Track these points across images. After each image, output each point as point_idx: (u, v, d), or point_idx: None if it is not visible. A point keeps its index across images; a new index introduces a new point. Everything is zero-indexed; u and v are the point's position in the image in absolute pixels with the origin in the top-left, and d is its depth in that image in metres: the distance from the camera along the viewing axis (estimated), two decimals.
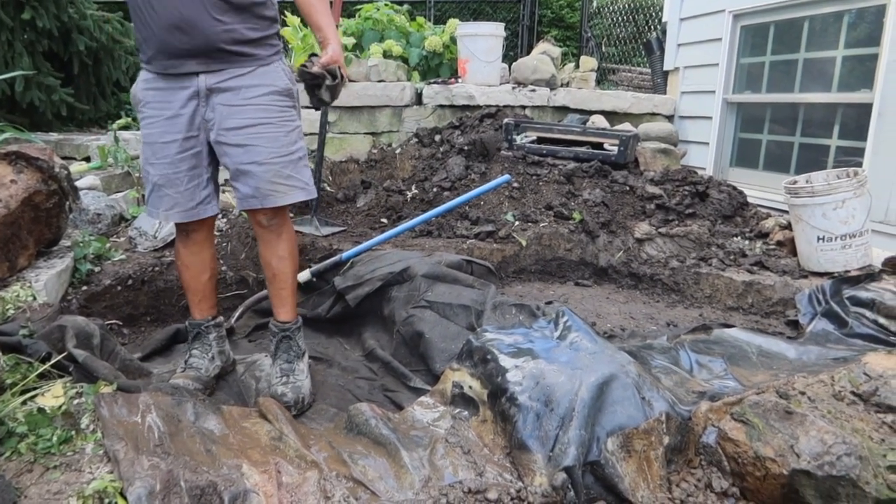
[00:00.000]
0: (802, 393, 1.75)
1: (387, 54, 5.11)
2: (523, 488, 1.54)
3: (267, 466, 1.53)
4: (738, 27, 4.56)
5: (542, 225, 3.59)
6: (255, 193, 1.94)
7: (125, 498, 1.32)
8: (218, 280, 2.49)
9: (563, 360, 1.87)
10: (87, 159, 4.08)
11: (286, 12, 4.80)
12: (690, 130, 5.04)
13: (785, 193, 3.23)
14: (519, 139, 4.30)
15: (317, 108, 2.12)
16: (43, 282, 2.35)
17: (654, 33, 6.33)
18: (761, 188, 4.25)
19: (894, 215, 3.32)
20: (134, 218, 3.35)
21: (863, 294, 2.59)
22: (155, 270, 2.90)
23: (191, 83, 1.89)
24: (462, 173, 4.10)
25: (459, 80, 5.09)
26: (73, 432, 1.54)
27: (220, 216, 3.28)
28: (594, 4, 8.50)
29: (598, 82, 6.32)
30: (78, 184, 3.05)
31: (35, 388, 1.70)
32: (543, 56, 5.20)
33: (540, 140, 4.38)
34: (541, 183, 3.97)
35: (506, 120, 4.37)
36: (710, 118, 4.76)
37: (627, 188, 3.90)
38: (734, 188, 4.00)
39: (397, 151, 4.65)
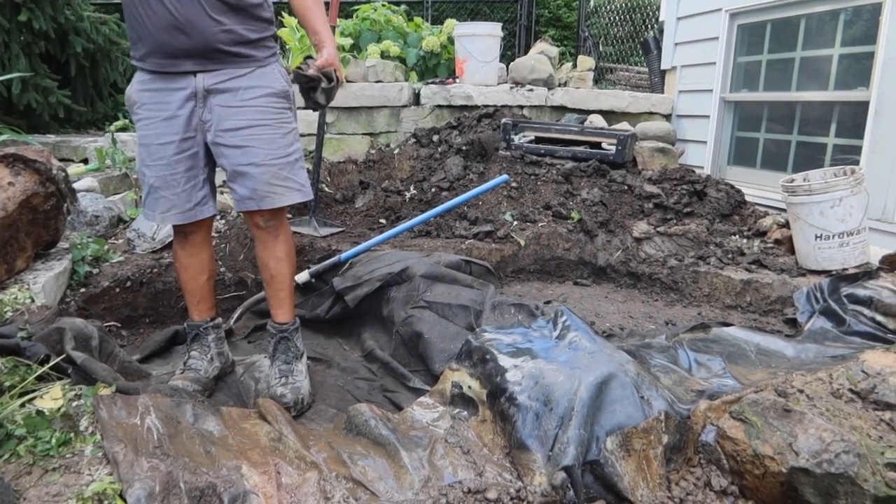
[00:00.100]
0: (801, 391, 1.75)
1: (384, 55, 5.11)
2: (523, 488, 1.54)
3: (266, 467, 1.53)
4: (734, 26, 4.57)
5: (540, 225, 3.59)
6: (252, 195, 1.94)
7: (124, 500, 1.32)
8: (216, 281, 2.49)
9: (562, 359, 1.87)
10: (85, 161, 4.08)
11: (283, 13, 4.81)
12: (688, 129, 5.04)
13: (782, 192, 3.23)
14: (517, 139, 4.31)
15: (314, 110, 2.13)
16: (41, 284, 2.35)
17: (652, 32, 6.34)
18: (759, 187, 4.26)
19: (891, 213, 3.33)
20: (132, 220, 3.34)
21: (860, 292, 2.59)
22: (153, 272, 2.90)
23: (188, 84, 1.89)
24: (460, 173, 4.10)
25: (457, 81, 5.09)
26: (72, 434, 1.54)
27: (218, 217, 3.28)
28: (591, 4, 8.50)
29: (596, 82, 6.33)
30: (76, 186, 3.05)
31: (34, 391, 1.70)
32: (541, 56, 5.20)
33: (538, 140, 4.39)
34: (539, 183, 3.97)
35: (504, 120, 4.37)
36: (707, 117, 4.77)
37: (625, 187, 3.91)
38: (732, 187, 4.00)
39: (395, 152, 4.65)
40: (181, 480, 1.38)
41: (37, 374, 1.76)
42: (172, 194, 1.97)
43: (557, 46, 5.90)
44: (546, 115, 5.05)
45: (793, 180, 3.26)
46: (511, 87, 4.98)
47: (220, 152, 1.94)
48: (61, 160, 3.63)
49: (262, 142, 1.92)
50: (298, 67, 1.99)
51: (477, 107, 4.83)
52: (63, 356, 1.86)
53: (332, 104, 2.19)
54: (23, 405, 1.62)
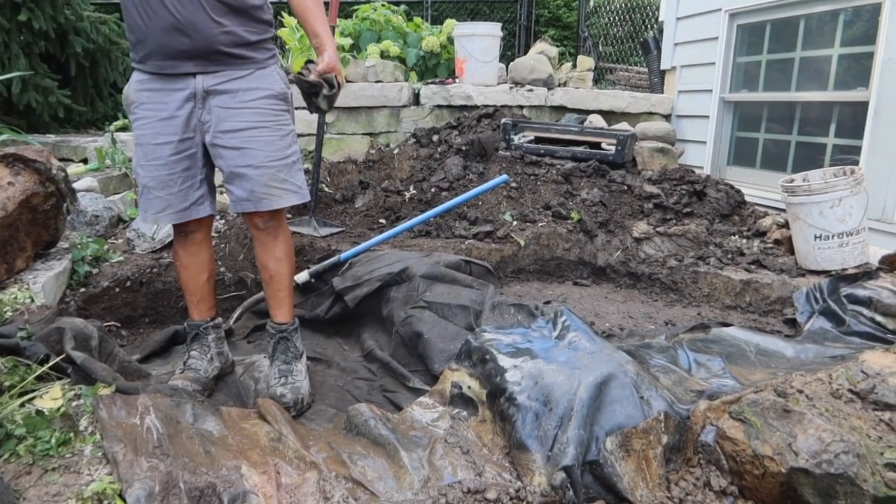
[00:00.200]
0: (800, 391, 1.75)
1: (384, 55, 5.11)
2: (522, 488, 1.54)
3: (266, 467, 1.53)
4: (734, 26, 4.57)
5: (540, 225, 3.60)
6: (249, 196, 1.94)
7: (124, 500, 1.32)
8: (216, 281, 2.49)
9: (562, 359, 1.87)
10: (85, 161, 4.08)
11: (283, 13, 4.81)
12: (688, 129, 5.04)
13: (782, 192, 3.23)
14: (517, 139, 4.31)
15: (317, 114, 2.13)
16: (41, 284, 2.35)
17: (651, 32, 6.34)
18: (759, 187, 4.26)
19: (891, 213, 3.33)
20: (132, 219, 3.34)
21: (860, 292, 2.60)
22: (153, 272, 2.90)
23: (187, 85, 1.89)
24: (460, 173, 4.10)
25: (457, 81, 5.09)
26: (72, 434, 1.54)
27: (218, 217, 3.28)
28: (591, 4, 8.50)
29: (596, 82, 6.33)
30: (75, 185, 3.05)
31: (33, 391, 1.70)
32: (541, 56, 5.20)
33: (538, 140, 4.39)
34: (539, 183, 3.97)
35: (503, 120, 4.37)
36: (707, 117, 4.77)
37: (625, 188, 3.91)
38: (731, 187, 4.00)
39: (395, 152, 4.65)
40: (181, 480, 1.38)
41: (36, 373, 1.76)
42: (168, 194, 1.96)
43: (557, 46, 5.90)
44: (546, 116, 5.05)
45: (792, 180, 3.26)
46: (511, 87, 4.98)
47: (219, 153, 1.94)
48: (61, 160, 3.62)
49: (260, 144, 1.92)
50: (300, 73, 1.99)
51: (477, 107, 4.83)
52: (63, 356, 1.86)
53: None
54: (22, 405, 1.62)
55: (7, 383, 1.69)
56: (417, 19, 5.84)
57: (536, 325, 2.23)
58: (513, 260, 3.47)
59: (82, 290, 2.66)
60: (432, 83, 5.03)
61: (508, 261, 3.46)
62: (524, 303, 2.50)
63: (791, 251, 3.31)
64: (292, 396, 2.03)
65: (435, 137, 4.65)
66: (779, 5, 4.15)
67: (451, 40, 5.30)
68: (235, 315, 2.82)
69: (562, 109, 5.04)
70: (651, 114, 5.10)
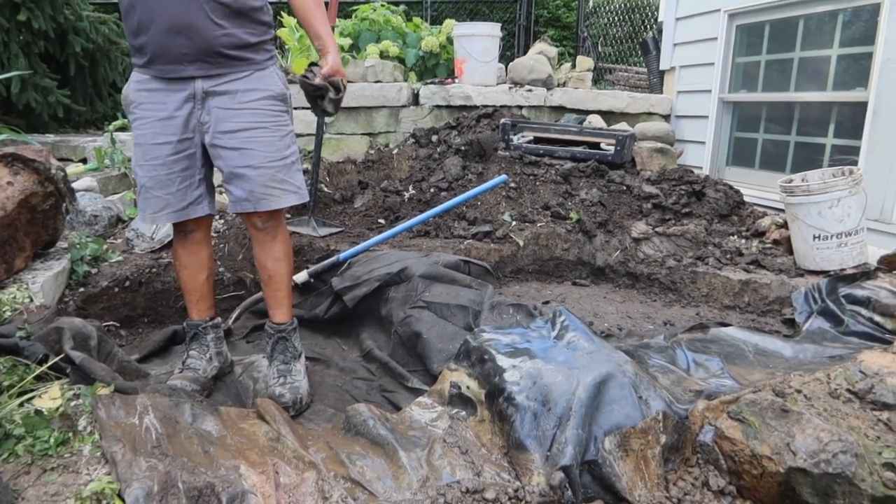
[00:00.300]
0: (799, 391, 1.75)
1: (383, 55, 5.11)
2: (521, 488, 1.54)
3: (265, 467, 1.53)
4: (733, 26, 4.57)
5: (539, 225, 3.60)
6: (248, 197, 1.95)
7: (123, 499, 1.32)
8: (215, 281, 2.49)
9: (561, 359, 1.87)
10: (84, 161, 4.08)
11: (282, 13, 4.81)
12: (687, 130, 5.05)
13: (781, 192, 3.24)
14: (516, 139, 4.31)
15: (322, 117, 2.13)
16: (40, 283, 2.35)
17: (651, 33, 6.35)
18: (757, 187, 4.26)
19: (890, 213, 3.33)
20: (131, 219, 3.34)
21: (859, 292, 2.60)
22: (152, 272, 2.90)
23: (187, 86, 1.89)
24: (459, 173, 4.10)
25: (456, 81, 5.09)
26: (71, 434, 1.54)
27: (217, 217, 3.28)
28: (590, 4, 8.51)
29: (595, 82, 6.33)
30: (75, 185, 3.05)
31: (32, 390, 1.70)
32: (540, 56, 5.21)
33: (537, 140, 4.39)
34: (538, 183, 3.97)
35: (503, 120, 4.37)
36: (706, 117, 4.77)
37: (624, 188, 3.91)
38: (730, 187, 4.01)
39: (394, 152, 4.65)
40: (179, 480, 1.38)
41: (35, 373, 1.76)
42: (167, 194, 1.97)
43: (556, 47, 5.90)
44: (545, 116, 5.05)
45: (791, 181, 3.26)
46: (510, 88, 4.98)
47: (218, 154, 1.95)
48: (60, 160, 3.62)
49: (259, 144, 1.93)
50: (304, 76, 2.00)
51: (476, 107, 4.83)
52: (62, 356, 1.86)
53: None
54: (21, 405, 1.62)
55: (6, 383, 1.69)
56: (417, 19, 5.84)
57: (535, 325, 2.23)
58: (512, 260, 3.47)
59: (81, 289, 2.66)
60: (431, 83, 5.03)
61: (507, 261, 3.46)
62: (523, 303, 2.50)
63: (790, 251, 3.31)
64: (291, 396, 2.03)
65: (434, 137, 4.65)
66: (778, 6, 4.15)
67: (450, 40, 5.30)
68: (234, 315, 2.82)
69: (561, 110, 5.05)
70: (650, 114, 5.11)
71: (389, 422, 1.82)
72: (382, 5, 5.68)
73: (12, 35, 4.48)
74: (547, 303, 2.99)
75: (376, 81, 4.81)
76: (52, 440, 1.49)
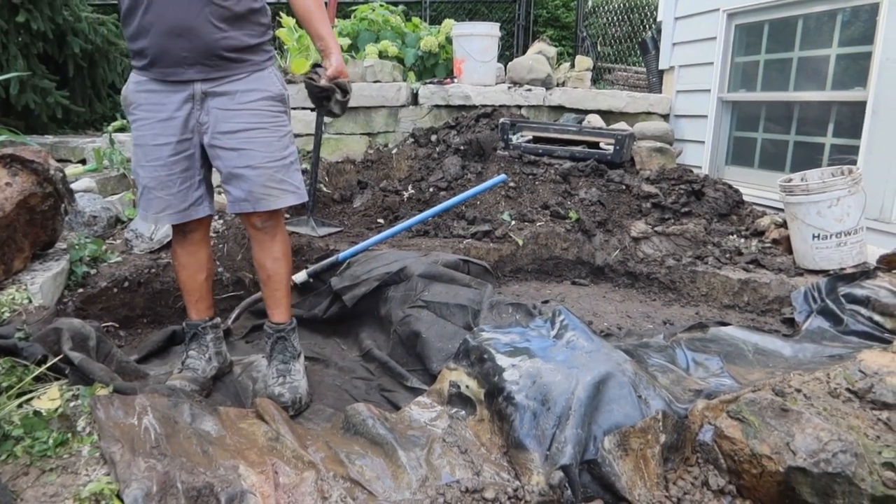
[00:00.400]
0: (798, 390, 1.75)
1: (382, 55, 5.11)
2: (520, 487, 1.54)
3: (264, 467, 1.53)
4: (732, 26, 4.57)
5: (538, 224, 3.60)
6: (247, 197, 1.95)
7: (121, 500, 1.32)
8: (214, 281, 2.49)
9: (560, 358, 1.87)
10: (83, 162, 4.07)
11: (281, 13, 4.80)
12: (686, 129, 5.05)
13: (780, 191, 3.24)
14: (515, 139, 4.31)
15: (333, 115, 2.13)
16: (38, 284, 2.35)
17: (650, 32, 6.35)
18: (757, 186, 4.26)
19: (889, 213, 3.33)
20: (130, 220, 3.34)
21: (858, 291, 2.60)
22: (151, 272, 2.90)
23: (186, 87, 1.89)
24: (458, 173, 4.10)
25: (455, 81, 5.09)
26: (70, 435, 1.53)
27: (216, 217, 3.28)
28: (589, 4, 8.51)
29: (594, 82, 6.33)
30: (73, 186, 3.04)
31: (31, 391, 1.69)
32: (539, 56, 5.21)
33: (536, 139, 4.39)
34: (537, 182, 3.97)
35: (502, 120, 4.37)
36: (705, 117, 4.77)
37: (623, 187, 3.91)
38: (730, 187, 4.01)
39: (393, 152, 4.65)
40: (178, 480, 1.38)
41: (34, 374, 1.76)
42: (168, 194, 1.97)
43: (555, 46, 5.90)
44: (544, 115, 5.05)
45: (790, 180, 3.26)
46: (509, 87, 4.98)
47: (217, 154, 1.95)
48: (59, 161, 3.63)
49: (258, 145, 1.93)
50: (310, 77, 2.00)
51: (475, 107, 4.83)
52: (60, 356, 1.86)
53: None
54: (20, 406, 1.61)
55: (5, 384, 1.68)
56: (416, 19, 5.84)
57: (534, 324, 2.23)
58: (511, 259, 3.47)
59: (80, 290, 2.66)
60: (430, 83, 5.03)
61: (507, 260, 3.46)
62: (522, 302, 2.50)
63: (789, 251, 3.31)
64: (290, 396, 2.03)
65: (433, 137, 4.65)
66: (777, 5, 4.15)
67: (449, 40, 5.30)
68: (234, 315, 2.82)
69: (560, 109, 5.04)
70: (649, 114, 5.11)
71: (389, 421, 1.82)
72: (381, 5, 5.68)
73: (11, 36, 4.47)
74: (546, 302, 2.99)
75: (375, 81, 4.81)
76: (50, 441, 1.49)
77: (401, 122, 4.88)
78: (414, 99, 4.94)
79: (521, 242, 3.48)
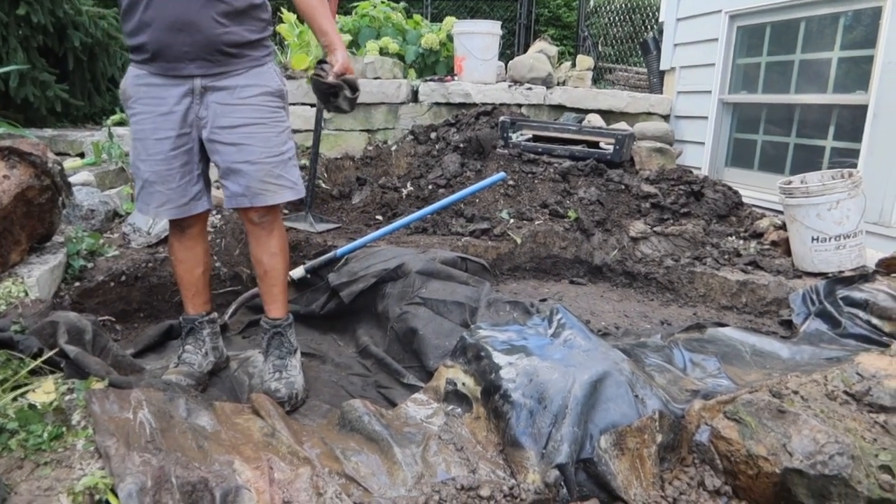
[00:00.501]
0: (795, 392, 1.75)
1: (383, 51, 5.10)
2: (516, 485, 1.54)
3: (259, 463, 1.53)
4: (734, 28, 4.57)
5: (537, 223, 3.59)
6: (245, 192, 1.94)
7: (116, 494, 1.32)
8: (212, 276, 2.48)
9: (557, 357, 1.86)
10: (82, 155, 4.07)
11: (282, 9, 4.79)
12: (686, 130, 5.04)
13: (780, 194, 3.23)
14: (515, 137, 4.30)
15: (342, 112, 2.12)
16: (35, 277, 2.34)
17: (651, 33, 6.34)
18: (756, 188, 4.26)
19: (889, 217, 3.33)
20: (128, 214, 3.33)
21: (856, 294, 2.59)
22: (148, 266, 2.89)
23: (186, 81, 1.89)
24: (457, 171, 4.10)
25: (456, 78, 5.09)
26: (64, 428, 1.53)
27: (214, 212, 3.27)
28: (591, 4, 8.50)
29: (595, 81, 6.33)
30: (72, 179, 3.03)
31: (26, 384, 1.69)
32: (540, 55, 5.20)
33: (536, 138, 4.38)
34: (536, 181, 3.97)
35: (502, 118, 4.37)
36: (705, 118, 4.77)
37: (623, 187, 3.91)
38: (729, 188, 4.01)
39: (393, 148, 4.64)
40: (173, 475, 1.37)
41: (29, 367, 1.75)
42: (168, 189, 1.97)
43: (556, 46, 5.90)
44: (544, 114, 5.04)
45: (790, 182, 3.26)
46: (510, 86, 4.97)
47: (215, 149, 1.94)
48: (58, 154, 3.61)
49: (257, 140, 1.93)
50: (317, 73, 1.99)
51: (475, 104, 4.82)
52: (56, 350, 1.85)
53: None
54: (15, 399, 1.61)
55: (0, 377, 1.68)
56: (417, 16, 5.84)
57: (532, 322, 2.22)
58: (509, 257, 3.47)
59: (77, 284, 2.65)
60: (431, 80, 5.02)
61: (505, 258, 3.46)
62: (520, 300, 2.50)
63: (788, 253, 3.31)
64: (286, 392, 2.02)
65: (433, 134, 4.65)
66: (779, 7, 4.15)
67: (450, 38, 5.29)
68: (231, 310, 2.81)
69: (560, 108, 5.04)
70: (650, 114, 5.10)
71: (385, 418, 1.82)
72: (383, 2, 5.67)
73: (11, 29, 4.46)
74: (544, 300, 2.99)
75: (375, 78, 4.80)
76: (45, 434, 1.48)
77: (400, 119, 4.87)
78: (414, 96, 4.94)
79: (519, 241, 3.47)
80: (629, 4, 7.79)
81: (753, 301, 3.06)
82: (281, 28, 4.64)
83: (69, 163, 3.71)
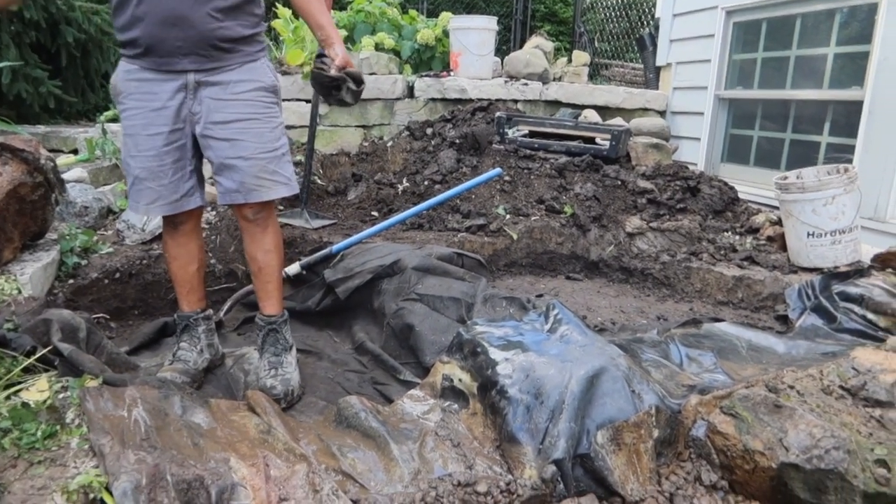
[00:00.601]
0: (791, 387, 1.75)
1: (378, 47, 5.08)
2: (513, 481, 1.54)
3: (255, 460, 1.52)
4: (730, 23, 4.57)
5: (533, 218, 3.59)
6: (239, 188, 1.93)
7: (110, 492, 1.31)
8: (206, 273, 2.47)
9: (554, 352, 1.86)
10: (75, 152, 4.04)
11: (277, 4, 4.77)
12: (682, 126, 5.04)
13: (776, 189, 3.24)
14: (511, 133, 4.29)
15: (345, 105, 2.11)
16: (28, 275, 2.33)
17: (647, 29, 6.33)
18: (752, 184, 4.26)
19: (884, 212, 3.34)
20: (122, 210, 3.31)
21: (852, 289, 2.60)
22: (143, 263, 2.87)
23: (179, 76, 1.88)
24: (453, 166, 4.09)
25: (451, 74, 5.07)
26: (58, 427, 1.52)
27: (209, 209, 3.26)
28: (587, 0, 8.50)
29: (591, 77, 6.32)
30: (65, 176, 3.01)
31: (19, 383, 1.68)
32: (536, 50, 5.19)
33: (532, 134, 4.38)
34: (532, 177, 3.96)
35: (498, 114, 4.35)
36: (701, 114, 4.77)
37: (619, 182, 3.91)
38: (725, 184, 4.01)
39: (389, 144, 4.63)
40: (168, 473, 1.37)
41: (23, 365, 1.74)
42: (159, 185, 1.95)
43: (553, 41, 5.89)
44: (540, 110, 5.04)
45: (786, 178, 3.27)
46: (506, 81, 4.96)
47: (209, 145, 1.93)
48: (51, 151, 3.59)
49: (251, 135, 1.92)
50: (318, 67, 1.98)
51: (471, 100, 4.81)
52: (50, 348, 1.84)
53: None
54: (8, 397, 1.60)
55: None
56: (413, 12, 5.81)
57: (528, 318, 2.22)
58: (505, 253, 3.47)
59: (71, 281, 2.63)
60: (427, 76, 5.01)
61: (501, 254, 3.45)
62: (516, 296, 2.50)
63: (784, 248, 3.31)
64: (282, 388, 2.02)
65: (429, 130, 4.63)
66: (775, 3, 4.15)
67: (446, 33, 5.27)
68: (226, 307, 2.80)
69: (556, 104, 5.03)
70: (646, 110, 5.10)
71: (381, 414, 1.81)
72: None
73: (3, 25, 4.43)
74: (540, 296, 2.98)
75: (371, 74, 4.78)
76: (39, 433, 1.47)
77: (396, 114, 4.86)
78: (410, 92, 4.92)
79: (515, 236, 3.47)
80: (625, 0, 7.78)
81: (749, 296, 3.07)
82: (276, 23, 4.62)
83: (62, 159, 3.68)
